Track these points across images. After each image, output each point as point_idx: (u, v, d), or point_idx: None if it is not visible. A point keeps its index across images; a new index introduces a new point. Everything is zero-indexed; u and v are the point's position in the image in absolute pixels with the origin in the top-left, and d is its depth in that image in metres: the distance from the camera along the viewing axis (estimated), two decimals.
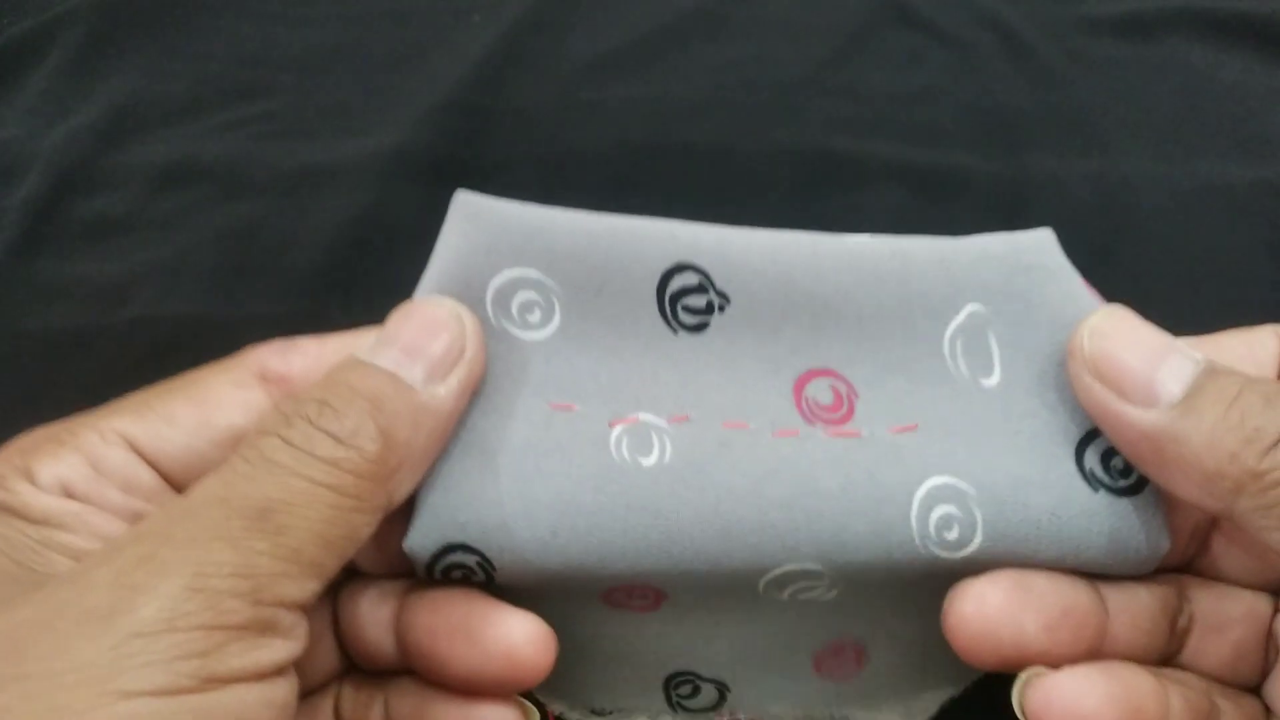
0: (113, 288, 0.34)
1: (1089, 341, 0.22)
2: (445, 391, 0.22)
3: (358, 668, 0.25)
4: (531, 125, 0.38)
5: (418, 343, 0.23)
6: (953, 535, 0.23)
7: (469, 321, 0.23)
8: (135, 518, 0.23)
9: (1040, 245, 0.24)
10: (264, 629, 0.19)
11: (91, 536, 0.22)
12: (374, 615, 0.24)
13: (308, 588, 0.20)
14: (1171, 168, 0.36)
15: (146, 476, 0.23)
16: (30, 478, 0.22)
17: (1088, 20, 0.40)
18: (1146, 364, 0.22)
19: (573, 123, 0.37)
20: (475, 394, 0.24)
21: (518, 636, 0.23)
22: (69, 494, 0.22)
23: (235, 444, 0.22)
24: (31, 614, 0.18)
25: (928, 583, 0.24)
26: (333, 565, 0.21)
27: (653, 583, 0.24)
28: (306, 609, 0.20)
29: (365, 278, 0.34)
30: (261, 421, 0.22)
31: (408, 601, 0.24)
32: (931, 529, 0.23)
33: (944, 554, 0.23)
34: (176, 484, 0.24)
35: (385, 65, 0.40)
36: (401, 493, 0.22)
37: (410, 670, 0.24)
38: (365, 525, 0.21)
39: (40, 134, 0.38)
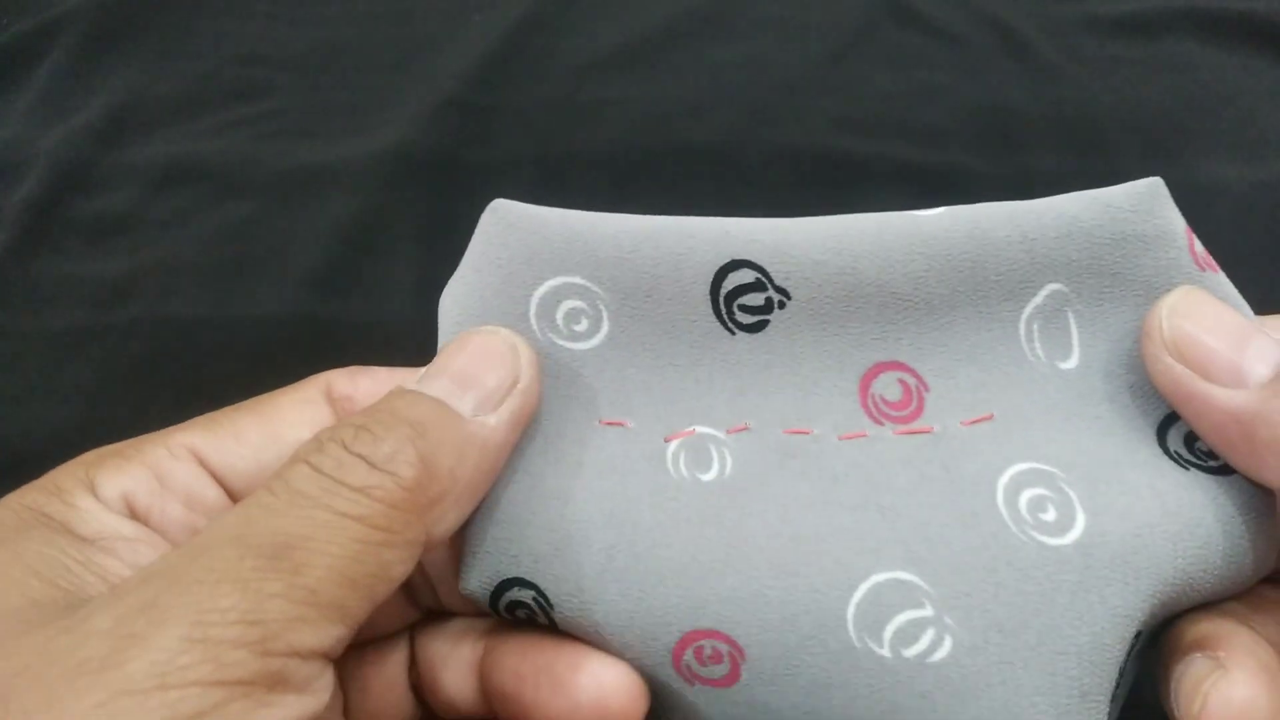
0: (113, 288, 0.34)
1: (1168, 321, 0.21)
2: (496, 422, 0.21)
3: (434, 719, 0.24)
4: (531, 125, 0.37)
5: (469, 372, 0.21)
6: (1049, 516, 0.21)
7: (524, 351, 0.22)
8: (194, 535, 0.21)
9: (1141, 206, 0.22)
10: (274, 683, 0.17)
11: (136, 566, 0.20)
12: (455, 658, 0.23)
13: (328, 634, 0.18)
14: (1171, 168, 0.36)
15: (211, 492, 0.22)
16: (92, 489, 0.21)
17: (1088, 20, 0.40)
18: (1231, 345, 0.21)
19: (573, 123, 0.37)
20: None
21: (609, 685, 0.21)
22: (131, 507, 0.21)
23: None
24: (25, 661, 0.17)
25: (1069, 631, 0.20)
26: (359, 608, 0.19)
27: (725, 624, 0.21)
28: (329, 657, 0.18)
29: (365, 278, 0.34)
30: (297, 450, 0.20)
31: (492, 643, 0.23)
32: (1025, 512, 0.21)
33: (1049, 539, 0.21)
34: (240, 499, 0.22)
35: (385, 65, 0.40)
36: (443, 528, 0.20)
37: (490, 716, 0.23)
38: (398, 563, 0.19)
39: (40, 134, 0.38)
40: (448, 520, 0.20)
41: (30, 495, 0.21)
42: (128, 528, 0.21)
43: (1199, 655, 0.20)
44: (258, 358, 0.33)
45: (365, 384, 0.24)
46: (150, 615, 0.17)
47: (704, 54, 0.39)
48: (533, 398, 0.22)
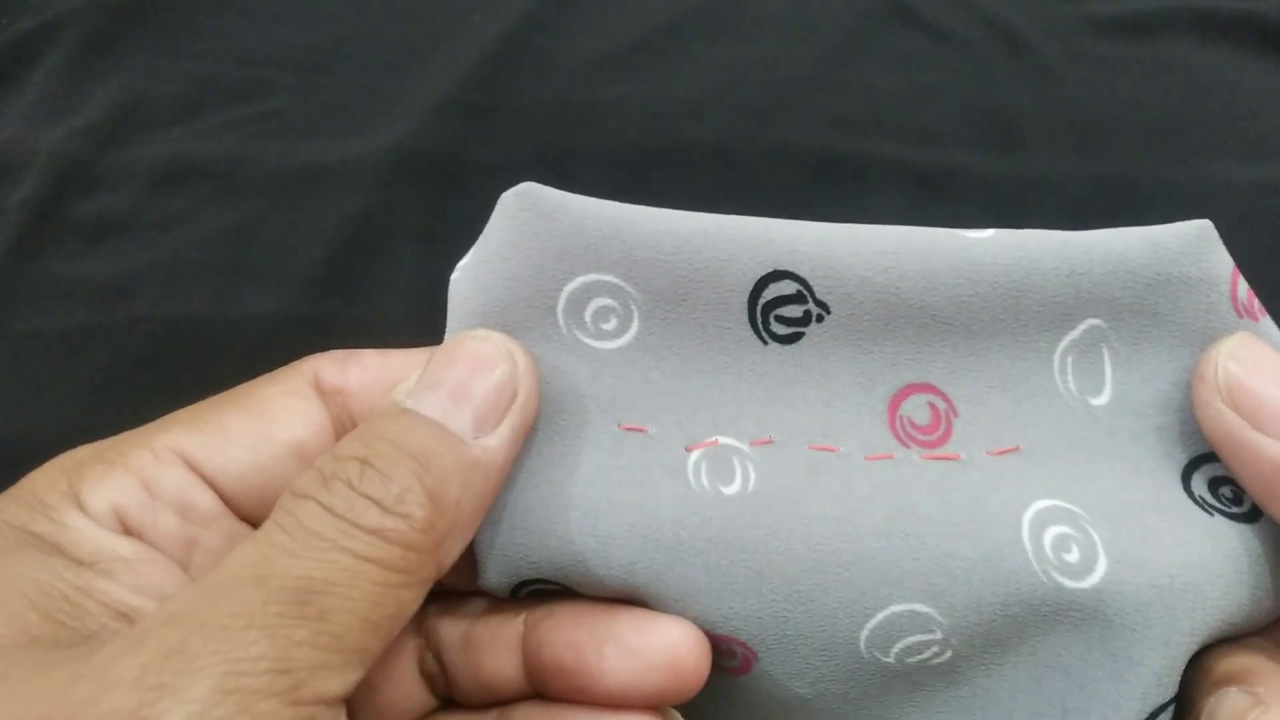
0: (113, 288, 0.34)
1: (1223, 367, 0.21)
2: (497, 443, 0.20)
3: (452, 707, 0.23)
4: (531, 125, 0.37)
5: (465, 386, 0.21)
6: (1073, 557, 0.21)
7: (521, 359, 0.21)
8: (190, 547, 0.21)
9: (1189, 248, 0.22)
10: None
11: (138, 590, 0.20)
12: (496, 639, 0.22)
13: (349, 679, 0.18)
14: (1171, 168, 0.36)
15: (205, 499, 0.21)
16: (79, 503, 0.20)
17: (1088, 20, 0.40)
18: None
19: (573, 123, 0.37)
20: (541, 413, 0.22)
21: (681, 642, 0.21)
22: (122, 521, 0.21)
23: (298, 460, 0.21)
24: (41, 710, 0.16)
25: (1062, 652, 0.21)
26: (377, 649, 0.19)
27: (741, 634, 0.22)
28: (347, 699, 0.18)
29: (365, 278, 0.34)
30: (298, 483, 0.20)
31: (535, 619, 0.22)
32: (1049, 550, 0.21)
33: (1069, 582, 0.21)
34: (236, 505, 0.22)
35: (385, 64, 0.40)
36: (451, 558, 0.20)
37: (529, 695, 0.22)
38: (412, 601, 0.19)
39: (40, 134, 0.38)
40: (455, 551, 0.20)
41: (10, 510, 0.20)
42: (124, 546, 0.20)
43: (1235, 689, 0.20)
44: (258, 358, 0.32)
45: (356, 373, 0.23)
46: (178, 663, 0.17)
47: (704, 54, 0.39)
48: (531, 410, 0.22)
